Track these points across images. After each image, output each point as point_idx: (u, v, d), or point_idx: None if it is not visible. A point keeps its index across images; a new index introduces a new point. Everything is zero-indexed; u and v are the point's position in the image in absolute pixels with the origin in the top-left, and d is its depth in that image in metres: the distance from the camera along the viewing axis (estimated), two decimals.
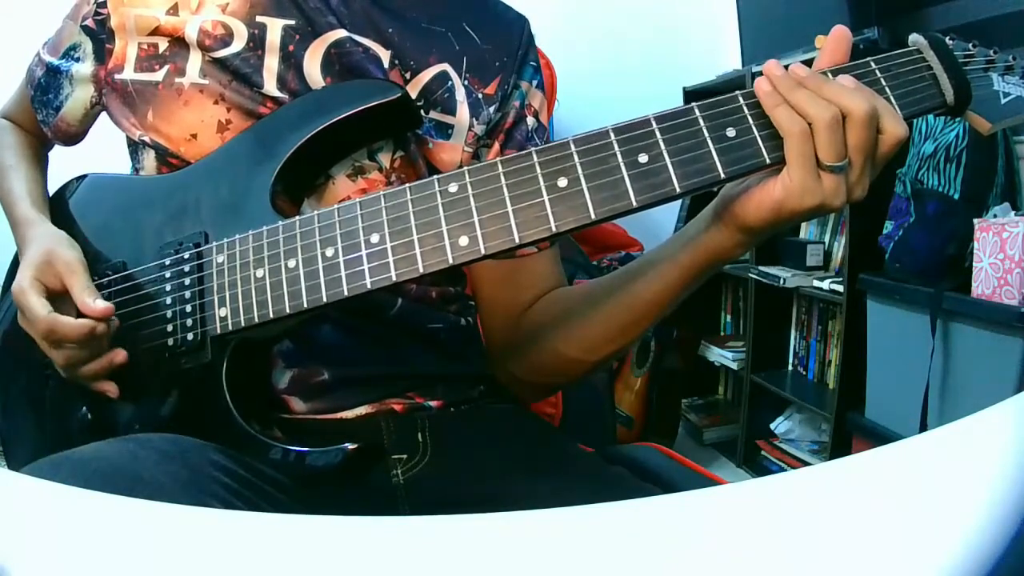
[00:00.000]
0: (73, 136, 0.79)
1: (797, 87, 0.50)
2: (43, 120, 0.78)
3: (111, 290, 0.65)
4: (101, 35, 0.72)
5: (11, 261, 0.77)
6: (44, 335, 0.61)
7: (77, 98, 0.75)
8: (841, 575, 0.32)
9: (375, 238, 0.53)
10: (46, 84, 0.76)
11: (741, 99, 0.51)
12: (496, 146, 0.73)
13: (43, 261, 0.64)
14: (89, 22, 0.72)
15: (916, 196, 1.51)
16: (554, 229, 0.50)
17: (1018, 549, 0.33)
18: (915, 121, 1.57)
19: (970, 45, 0.56)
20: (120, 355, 0.62)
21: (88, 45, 0.73)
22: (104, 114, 0.75)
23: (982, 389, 1.34)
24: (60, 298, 0.63)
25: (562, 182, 0.51)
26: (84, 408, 0.67)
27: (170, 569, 0.33)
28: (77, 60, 0.74)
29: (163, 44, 0.69)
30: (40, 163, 0.82)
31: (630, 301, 0.64)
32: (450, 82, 0.71)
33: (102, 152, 0.85)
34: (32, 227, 0.69)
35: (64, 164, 0.85)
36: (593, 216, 0.50)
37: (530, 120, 0.76)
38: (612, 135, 0.51)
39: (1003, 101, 0.55)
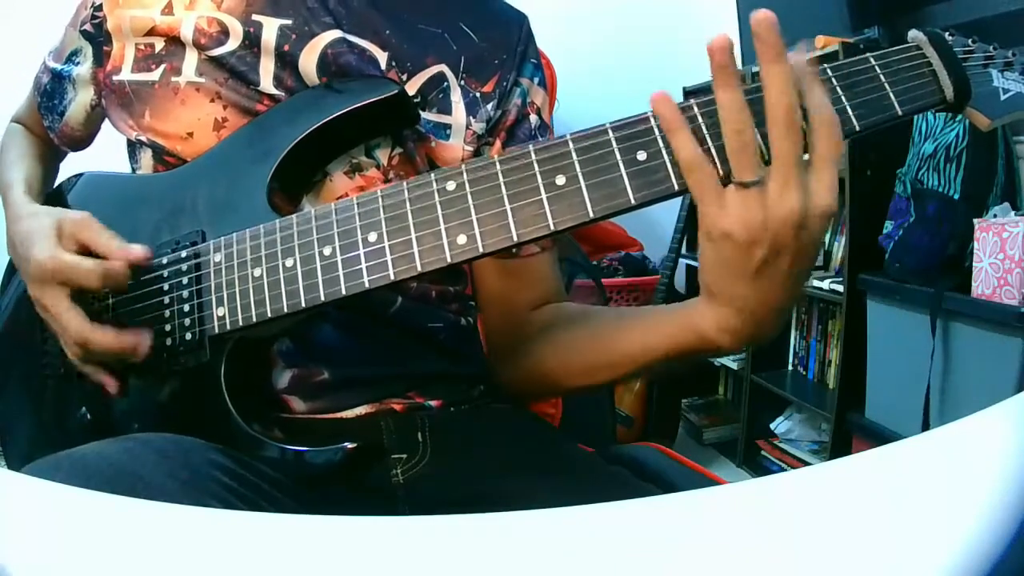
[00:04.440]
0: (79, 140, 0.80)
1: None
2: (49, 126, 0.79)
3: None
4: (99, 38, 0.72)
5: (10, 259, 0.77)
6: (78, 345, 0.60)
7: (79, 101, 0.75)
8: (841, 575, 0.32)
9: (373, 236, 0.53)
10: (51, 90, 0.77)
11: None
12: (498, 144, 0.73)
13: (55, 229, 0.61)
14: (87, 26, 0.73)
15: (916, 196, 1.51)
16: (552, 227, 0.50)
17: (1018, 549, 0.33)
18: (915, 120, 1.58)
19: (969, 41, 0.56)
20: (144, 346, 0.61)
21: (89, 49, 0.74)
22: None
23: (982, 389, 1.34)
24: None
25: (560, 180, 0.50)
26: (83, 408, 0.66)
27: (170, 569, 0.33)
28: (78, 64, 0.75)
29: (159, 44, 0.69)
30: (45, 160, 0.82)
31: (609, 345, 0.65)
32: (446, 83, 0.71)
33: (102, 153, 0.85)
34: (22, 208, 0.68)
35: (65, 165, 0.85)
36: (591, 214, 0.50)
37: (533, 118, 0.75)
38: (610, 132, 0.51)
39: (1003, 97, 0.54)
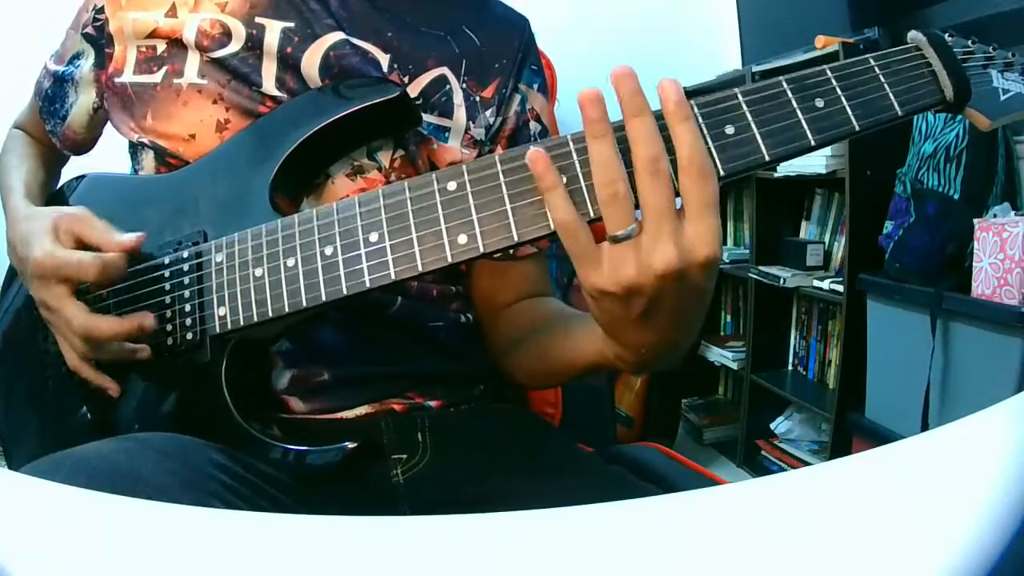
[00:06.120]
0: (81, 144, 0.80)
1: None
2: (51, 130, 0.78)
3: (110, 289, 0.65)
4: (101, 40, 0.72)
5: (10, 266, 0.77)
6: (81, 339, 0.60)
7: (81, 104, 0.75)
8: (841, 575, 0.32)
9: (374, 236, 0.53)
10: (53, 94, 0.77)
11: (740, 96, 0.51)
12: (499, 151, 0.73)
13: (52, 227, 0.62)
14: (89, 29, 0.73)
15: (916, 196, 1.51)
16: (553, 227, 0.50)
17: (1018, 549, 0.33)
18: (915, 121, 1.58)
19: (969, 42, 0.56)
20: (145, 352, 0.61)
21: (91, 51, 0.74)
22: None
23: (982, 389, 1.34)
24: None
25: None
26: (84, 408, 0.66)
27: (170, 569, 0.33)
28: (79, 67, 0.75)
29: (161, 46, 0.69)
30: (46, 165, 0.82)
31: (547, 349, 0.66)
32: (448, 86, 0.71)
33: (103, 156, 0.85)
34: (21, 211, 0.69)
35: (66, 168, 0.85)
36: (592, 213, 0.50)
37: (533, 125, 0.76)
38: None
39: (1002, 98, 0.55)
